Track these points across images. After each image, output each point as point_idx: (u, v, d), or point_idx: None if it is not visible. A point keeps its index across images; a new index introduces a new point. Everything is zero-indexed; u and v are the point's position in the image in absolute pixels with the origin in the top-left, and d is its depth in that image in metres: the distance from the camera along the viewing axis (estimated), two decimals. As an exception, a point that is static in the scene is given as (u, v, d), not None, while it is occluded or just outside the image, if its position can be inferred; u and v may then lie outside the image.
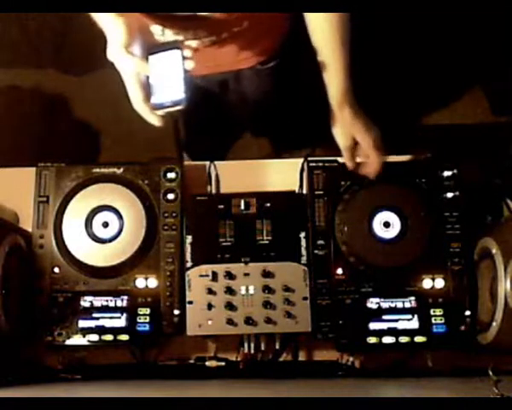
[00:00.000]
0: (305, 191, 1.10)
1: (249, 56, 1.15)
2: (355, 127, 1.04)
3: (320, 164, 1.09)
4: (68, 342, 1.02)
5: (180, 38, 1.02)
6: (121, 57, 0.89)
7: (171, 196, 1.08)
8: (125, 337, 1.02)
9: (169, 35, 1.01)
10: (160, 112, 0.91)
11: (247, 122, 1.53)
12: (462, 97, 2.03)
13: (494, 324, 0.96)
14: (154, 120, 0.92)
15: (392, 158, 1.10)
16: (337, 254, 1.05)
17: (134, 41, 0.89)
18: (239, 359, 1.06)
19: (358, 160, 1.07)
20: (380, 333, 1.02)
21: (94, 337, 1.02)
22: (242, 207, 1.07)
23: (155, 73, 0.90)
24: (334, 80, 1.04)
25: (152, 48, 0.91)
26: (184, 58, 0.91)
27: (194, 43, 1.05)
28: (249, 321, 1.02)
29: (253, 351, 1.05)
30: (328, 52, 1.03)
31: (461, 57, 2.01)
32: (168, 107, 0.91)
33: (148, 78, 0.91)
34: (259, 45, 1.14)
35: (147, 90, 0.91)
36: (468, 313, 1.02)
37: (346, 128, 1.04)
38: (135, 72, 0.90)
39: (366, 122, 1.04)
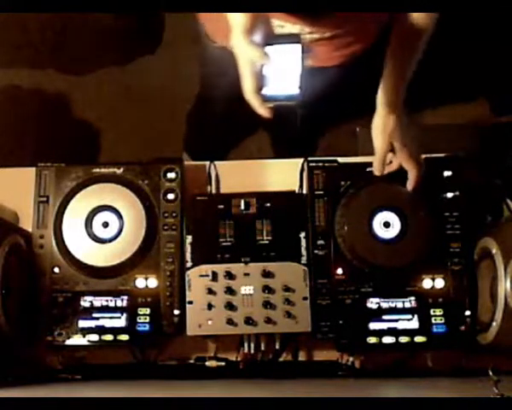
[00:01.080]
0: (305, 191, 1.10)
1: (336, 56, 1.14)
2: (396, 135, 1.03)
3: (320, 164, 1.09)
4: (68, 342, 1.02)
5: (297, 31, 1.00)
6: (240, 43, 0.87)
7: (171, 196, 1.08)
8: (125, 337, 1.02)
9: (288, 27, 1.00)
10: (271, 104, 0.88)
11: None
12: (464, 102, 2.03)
13: (494, 324, 0.96)
14: (263, 111, 0.88)
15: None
16: (337, 254, 1.05)
17: (255, 29, 0.86)
18: (239, 359, 1.06)
19: (387, 168, 1.07)
20: (380, 333, 1.02)
21: (94, 337, 1.02)
22: (242, 207, 1.07)
23: (272, 65, 0.87)
24: (390, 82, 1.03)
25: (271, 38, 0.88)
26: (304, 53, 0.88)
27: (308, 37, 1.04)
28: (249, 321, 1.02)
29: (253, 351, 1.05)
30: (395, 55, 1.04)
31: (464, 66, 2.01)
32: (281, 100, 0.88)
33: (262, 68, 0.87)
34: (349, 49, 1.13)
35: (260, 80, 0.87)
36: (468, 313, 1.02)
37: (386, 133, 1.04)
38: (251, 60, 0.87)
39: (410, 133, 1.04)
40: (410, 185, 1.05)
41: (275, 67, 0.87)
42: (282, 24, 1.00)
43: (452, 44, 2.01)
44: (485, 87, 2.03)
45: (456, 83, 2.03)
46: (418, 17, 1.01)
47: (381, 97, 1.04)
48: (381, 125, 1.04)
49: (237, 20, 0.86)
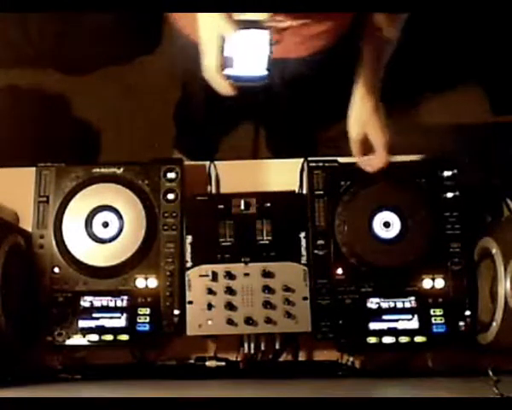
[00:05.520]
0: (305, 191, 1.10)
1: (308, 47, 1.15)
2: (371, 123, 1.05)
3: (320, 164, 1.09)
4: (68, 342, 1.02)
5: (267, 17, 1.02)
6: (208, 17, 0.89)
7: (171, 196, 1.08)
8: (125, 337, 1.02)
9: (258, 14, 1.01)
10: (236, 84, 0.91)
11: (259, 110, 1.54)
12: (462, 96, 2.03)
13: (494, 324, 0.96)
14: (224, 88, 0.91)
15: (392, 158, 1.10)
16: (337, 254, 1.05)
17: None
18: (239, 359, 1.06)
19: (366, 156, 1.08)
20: (380, 333, 1.02)
21: (94, 337, 1.02)
22: (242, 207, 1.07)
23: (239, 47, 0.90)
24: (366, 71, 1.05)
25: (241, 23, 0.90)
26: (272, 38, 0.91)
27: (277, 25, 1.04)
28: (249, 321, 1.02)
29: (253, 351, 1.05)
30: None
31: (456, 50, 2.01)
32: (247, 81, 0.91)
33: (226, 48, 0.90)
34: (320, 39, 1.13)
35: (224, 58, 0.90)
36: (468, 313, 1.02)
37: (362, 121, 1.05)
38: (218, 35, 0.88)
39: (384, 122, 1.05)
40: (373, 167, 1.06)
41: (242, 48, 0.90)
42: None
43: (453, 40, 2.02)
44: (485, 86, 2.04)
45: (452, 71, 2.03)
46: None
47: (357, 88, 1.05)
48: (357, 112, 1.05)
49: None
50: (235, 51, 0.90)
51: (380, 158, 1.05)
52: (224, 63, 0.90)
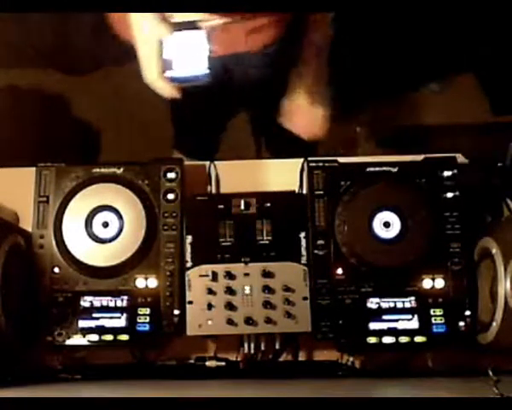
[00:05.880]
0: (305, 191, 1.10)
1: (248, 42, 1.15)
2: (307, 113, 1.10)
3: (320, 164, 1.09)
4: (68, 342, 1.02)
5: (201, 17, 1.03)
6: (145, 22, 0.90)
7: (171, 196, 1.08)
8: (125, 337, 1.02)
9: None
10: (179, 85, 0.94)
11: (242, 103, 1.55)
12: (462, 96, 2.03)
13: (494, 324, 0.96)
14: (167, 91, 0.93)
15: (392, 158, 1.10)
16: (337, 254, 1.05)
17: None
18: (239, 359, 1.06)
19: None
20: (380, 333, 1.02)
21: (94, 337, 1.02)
22: (242, 207, 1.07)
23: (178, 49, 0.92)
24: (308, 71, 1.09)
25: (177, 25, 0.93)
26: (210, 37, 0.94)
27: (215, 23, 1.05)
28: (249, 321, 1.02)
29: (253, 351, 1.05)
30: None
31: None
32: (189, 81, 0.93)
33: (165, 51, 0.92)
34: (262, 34, 1.14)
35: (164, 62, 0.92)
36: (468, 313, 1.02)
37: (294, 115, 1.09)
38: (155, 39, 0.90)
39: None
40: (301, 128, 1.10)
41: (180, 50, 0.92)
42: None
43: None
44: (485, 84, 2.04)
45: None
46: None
47: (297, 84, 1.07)
48: (295, 108, 1.07)
49: None
50: (174, 53, 0.92)
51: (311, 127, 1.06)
52: (164, 66, 0.92)
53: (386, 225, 1.05)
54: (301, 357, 1.09)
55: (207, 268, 1.04)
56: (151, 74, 0.93)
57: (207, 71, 0.93)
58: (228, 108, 1.54)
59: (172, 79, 0.93)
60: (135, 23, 0.92)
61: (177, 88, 0.94)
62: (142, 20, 0.91)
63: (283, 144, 1.51)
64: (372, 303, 1.03)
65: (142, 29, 0.92)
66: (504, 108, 1.98)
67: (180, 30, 0.93)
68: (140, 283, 1.04)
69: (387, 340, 1.02)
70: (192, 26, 0.94)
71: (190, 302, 1.03)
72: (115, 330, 1.02)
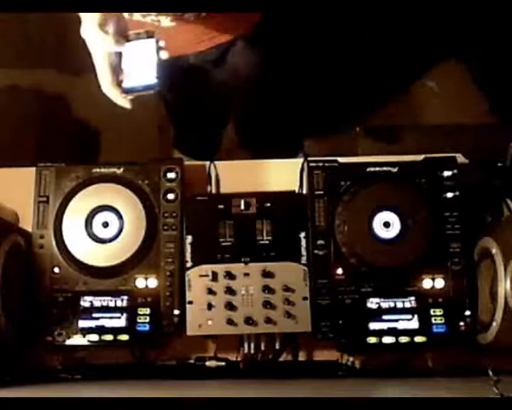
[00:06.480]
0: (305, 191, 1.10)
1: (204, 41, 1.16)
2: None
3: (320, 164, 1.09)
4: (68, 342, 1.02)
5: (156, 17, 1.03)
6: (95, 35, 0.90)
7: (171, 196, 1.08)
8: (125, 337, 1.02)
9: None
10: (131, 96, 0.95)
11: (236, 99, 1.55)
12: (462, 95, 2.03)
13: (494, 324, 0.96)
14: (122, 102, 0.95)
15: (392, 158, 1.10)
16: (337, 254, 1.05)
17: (109, 20, 0.91)
18: (239, 359, 1.06)
19: None
20: (380, 333, 1.02)
21: (94, 337, 1.02)
22: (242, 207, 1.07)
23: (129, 59, 0.94)
24: None
25: (127, 36, 0.95)
26: (159, 47, 0.95)
27: (174, 22, 1.06)
28: (249, 321, 1.02)
29: (253, 351, 1.05)
30: None
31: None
32: (140, 91, 0.95)
33: (118, 62, 0.94)
34: (221, 33, 1.15)
35: (117, 73, 0.94)
36: (468, 313, 1.02)
37: None
38: (107, 52, 0.91)
39: None
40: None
41: (131, 60, 0.94)
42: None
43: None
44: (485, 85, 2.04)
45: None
46: None
47: None
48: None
49: (90, 14, 0.89)
50: (125, 64, 0.94)
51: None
52: (118, 78, 0.94)
53: (386, 225, 1.05)
54: (301, 357, 1.09)
55: (207, 268, 1.04)
56: (106, 86, 0.95)
57: (155, 81, 0.95)
58: (226, 107, 1.55)
59: (125, 91, 0.95)
60: (87, 35, 0.93)
61: (128, 99, 0.96)
62: (93, 31, 0.91)
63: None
64: (372, 303, 1.03)
65: (94, 42, 0.93)
66: (504, 108, 1.98)
67: (130, 40, 0.94)
68: (140, 283, 1.04)
69: (387, 340, 1.02)
70: (142, 35, 0.95)
71: (190, 302, 1.03)
72: (115, 330, 1.02)
